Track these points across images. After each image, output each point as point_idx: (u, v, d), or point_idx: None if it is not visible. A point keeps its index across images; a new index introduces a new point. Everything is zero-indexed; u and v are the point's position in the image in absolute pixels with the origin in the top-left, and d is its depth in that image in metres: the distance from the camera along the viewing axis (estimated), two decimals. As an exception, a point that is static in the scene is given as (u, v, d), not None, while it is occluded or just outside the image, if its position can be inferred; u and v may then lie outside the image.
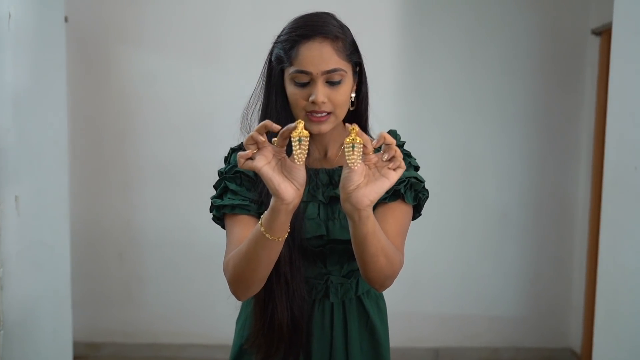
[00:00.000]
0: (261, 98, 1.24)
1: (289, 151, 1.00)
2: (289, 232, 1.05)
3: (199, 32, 3.21)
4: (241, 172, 1.22)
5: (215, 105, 3.20)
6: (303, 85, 1.14)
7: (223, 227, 1.24)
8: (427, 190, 1.26)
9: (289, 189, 0.99)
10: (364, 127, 1.32)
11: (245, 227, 1.17)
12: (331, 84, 1.14)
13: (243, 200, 1.19)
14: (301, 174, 1.00)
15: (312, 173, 1.23)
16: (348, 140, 0.97)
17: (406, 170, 1.22)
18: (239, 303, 1.34)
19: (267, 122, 0.98)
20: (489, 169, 3.30)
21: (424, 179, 1.26)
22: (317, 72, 1.13)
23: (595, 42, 3.16)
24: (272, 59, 1.20)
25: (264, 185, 1.09)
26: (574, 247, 3.34)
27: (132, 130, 3.26)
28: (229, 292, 1.16)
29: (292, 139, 0.98)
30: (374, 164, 1.01)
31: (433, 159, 3.17)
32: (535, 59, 3.24)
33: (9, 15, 1.93)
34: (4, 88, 1.92)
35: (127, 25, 3.20)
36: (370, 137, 1.33)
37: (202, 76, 3.22)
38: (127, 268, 3.32)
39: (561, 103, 3.27)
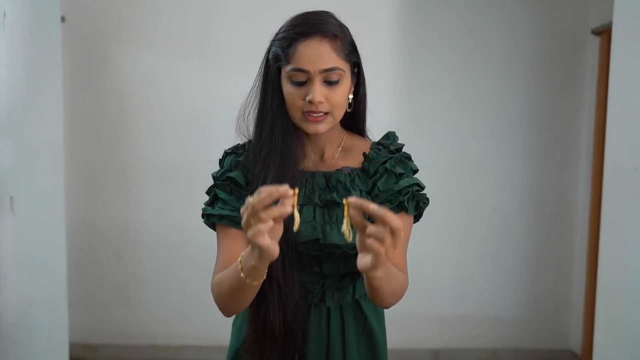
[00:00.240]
0: (257, 97, 1.22)
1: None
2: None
3: (196, 32, 3.19)
4: (232, 179, 1.20)
5: (212, 105, 3.18)
6: (300, 84, 1.13)
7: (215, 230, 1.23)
8: (427, 198, 1.23)
9: (275, 245, 0.95)
10: (362, 130, 1.30)
11: (234, 241, 1.17)
12: (329, 83, 1.13)
13: (232, 210, 1.17)
14: (281, 229, 0.96)
15: (308, 176, 1.21)
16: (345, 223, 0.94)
17: (406, 176, 1.20)
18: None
19: (286, 188, 0.90)
20: (489, 170, 3.29)
21: (424, 184, 1.24)
22: (314, 70, 1.11)
23: (595, 42, 3.15)
24: (269, 57, 1.18)
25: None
26: (574, 248, 3.33)
27: (128, 131, 3.24)
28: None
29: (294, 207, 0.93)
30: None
31: (432, 160, 3.16)
32: (535, 59, 3.23)
33: (4, 14, 1.92)
34: (-1, 87, 1.91)
35: (124, 25, 3.19)
36: (369, 139, 1.31)
37: (199, 76, 3.21)
38: (125, 269, 3.30)
39: (561, 103, 3.26)
